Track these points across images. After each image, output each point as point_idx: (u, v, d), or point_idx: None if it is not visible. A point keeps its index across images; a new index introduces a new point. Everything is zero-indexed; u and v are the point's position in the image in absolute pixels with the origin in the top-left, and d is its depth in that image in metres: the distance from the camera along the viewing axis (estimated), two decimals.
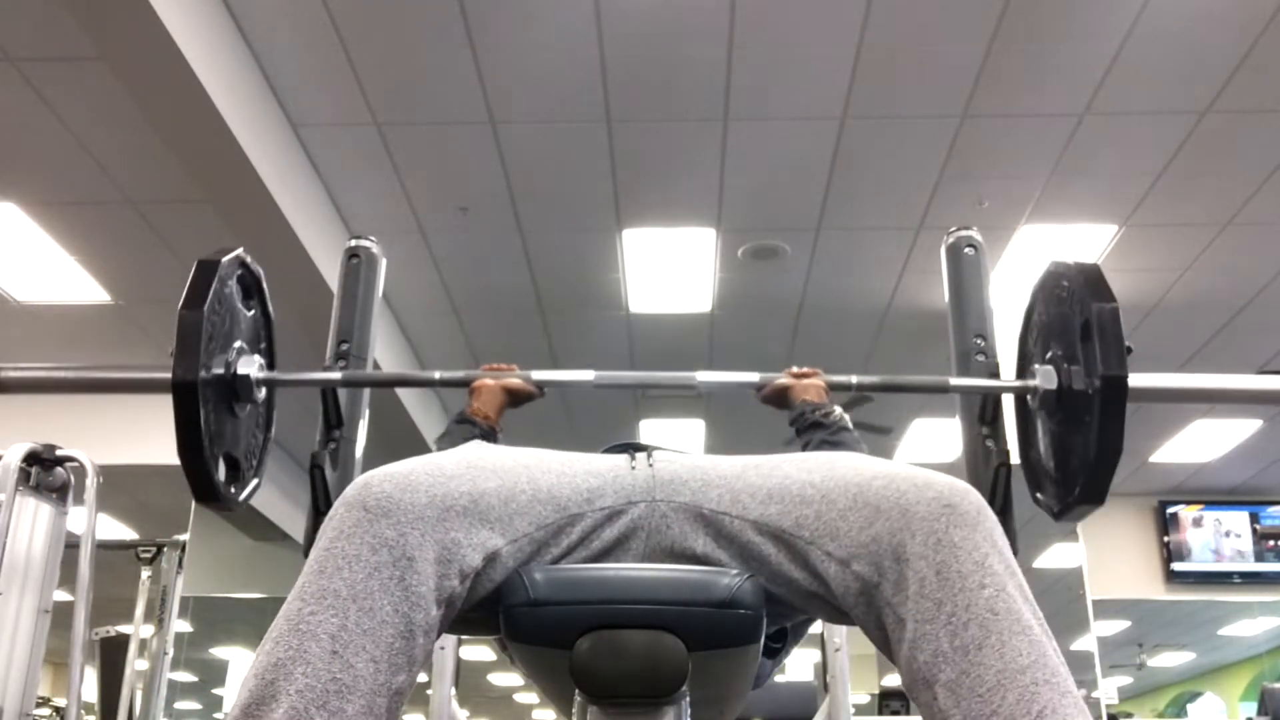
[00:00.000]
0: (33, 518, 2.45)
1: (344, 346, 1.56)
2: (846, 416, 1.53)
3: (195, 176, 3.72)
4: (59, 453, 2.52)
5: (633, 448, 1.20)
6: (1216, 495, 7.70)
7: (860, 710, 7.15)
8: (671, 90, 3.76)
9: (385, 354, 5.20)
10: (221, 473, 1.28)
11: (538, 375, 1.50)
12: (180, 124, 3.42)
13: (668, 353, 5.74)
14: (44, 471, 2.48)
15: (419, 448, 6.33)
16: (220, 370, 1.27)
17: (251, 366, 1.33)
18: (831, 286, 5.04)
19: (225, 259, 1.28)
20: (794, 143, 4.03)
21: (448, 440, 1.48)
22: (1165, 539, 7.66)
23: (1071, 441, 1.26)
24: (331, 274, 3.12)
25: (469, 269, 4.94)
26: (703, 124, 3.93)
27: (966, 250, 1.59)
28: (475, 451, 1.10)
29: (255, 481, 1.40)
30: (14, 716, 2.32)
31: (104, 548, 2.81)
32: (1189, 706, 10.81)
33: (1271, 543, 7.64)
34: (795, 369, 1.59)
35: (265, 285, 1.42)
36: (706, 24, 3.44)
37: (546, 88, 3.74)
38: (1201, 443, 6.79)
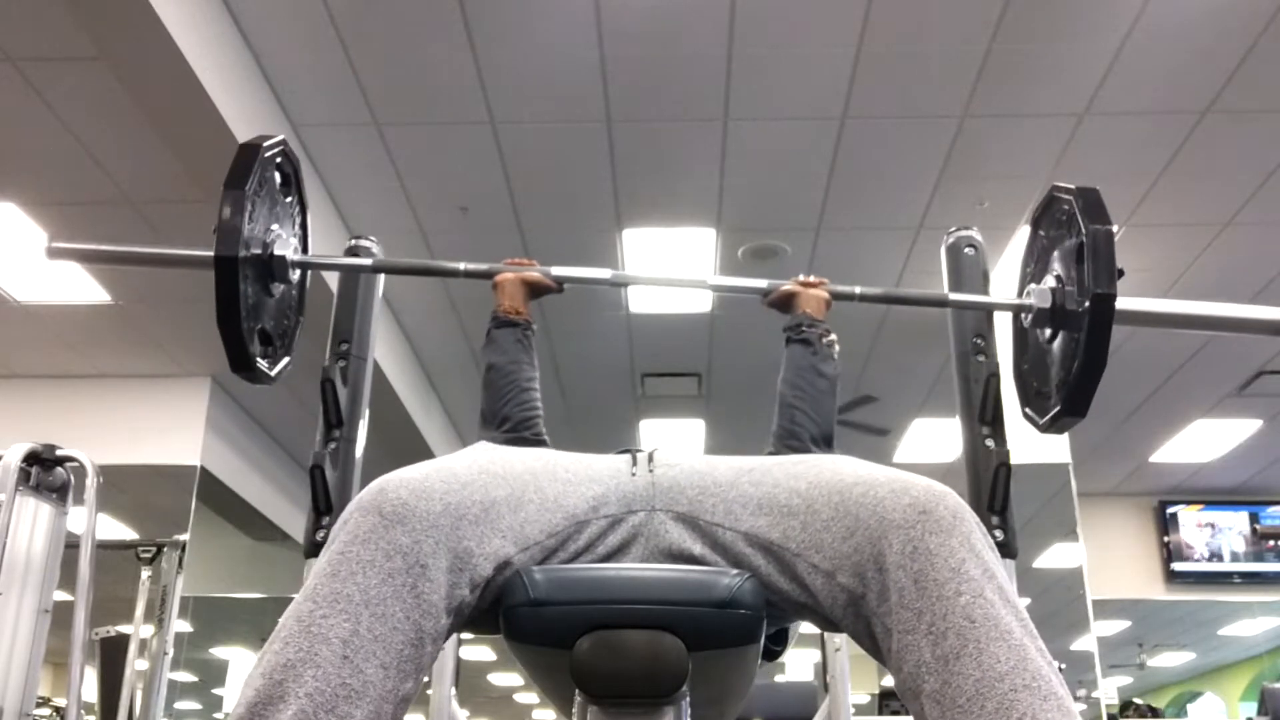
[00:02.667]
0: (33, 518, 2.45)
1: (344, 347, 1.56)
2: (835, 345, 1.54)
3: (195, 176, 3.72)
4: (59, 453, 2.52)
5: (636, 451, 1.20)
6: (1216, 495, 7.70)
7: (860, 710, 7.15)
8: (671, 90, 3.76)
9: (385, 354, 5.20)
10: (256, 346, 1.34)
11: (556, 271, 1.55)
12: (180, 124, 3.42)
13: (668, 353, 5.74)
14: (44, 471, 2.48)
15: (420, 447, 6.33)
16: (258, 250, 1.32)
17: (288, 249, 1.38)
18: None
19: (267, 143, 1.34)
20: (794, 143, 4.03)
21: (493, 347, 1.54)
22: (1165, 539, 7.66)
23: (1061, 358, 1.31)
24: (331, 274, 3.11)
25: None
26: (703, 124, 3.93)
27: (966, 250, 1.59)
28: (485, 455, 1.10)
29: (286, 360, 1.45)
30: (14, 716, 2.32)
31: (104, 548, 2.81)
32: (1189, 706, 10.81)
33: (1271, 543, 7.64)
34: (803, 277, 1.61)
35: (301, 175, 1.48)
36: (706, 24, 3.44)
37: (546, 88, 3.74)
38: (1201, 443, 6.79)
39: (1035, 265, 1.43)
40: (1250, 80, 3.63)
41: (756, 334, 5.53)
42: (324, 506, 1.42)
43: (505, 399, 1.48)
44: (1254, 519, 7.66)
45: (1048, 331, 1.35)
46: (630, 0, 3.35)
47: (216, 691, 7.63)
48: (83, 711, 2.55)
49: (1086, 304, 1.21)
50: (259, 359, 1.34)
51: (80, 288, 4.91)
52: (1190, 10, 3.36)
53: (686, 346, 5.64)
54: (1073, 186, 1.30)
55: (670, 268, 4.95)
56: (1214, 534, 7.71)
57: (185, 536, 4.96)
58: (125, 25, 2.98)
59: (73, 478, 2.56)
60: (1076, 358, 1.24)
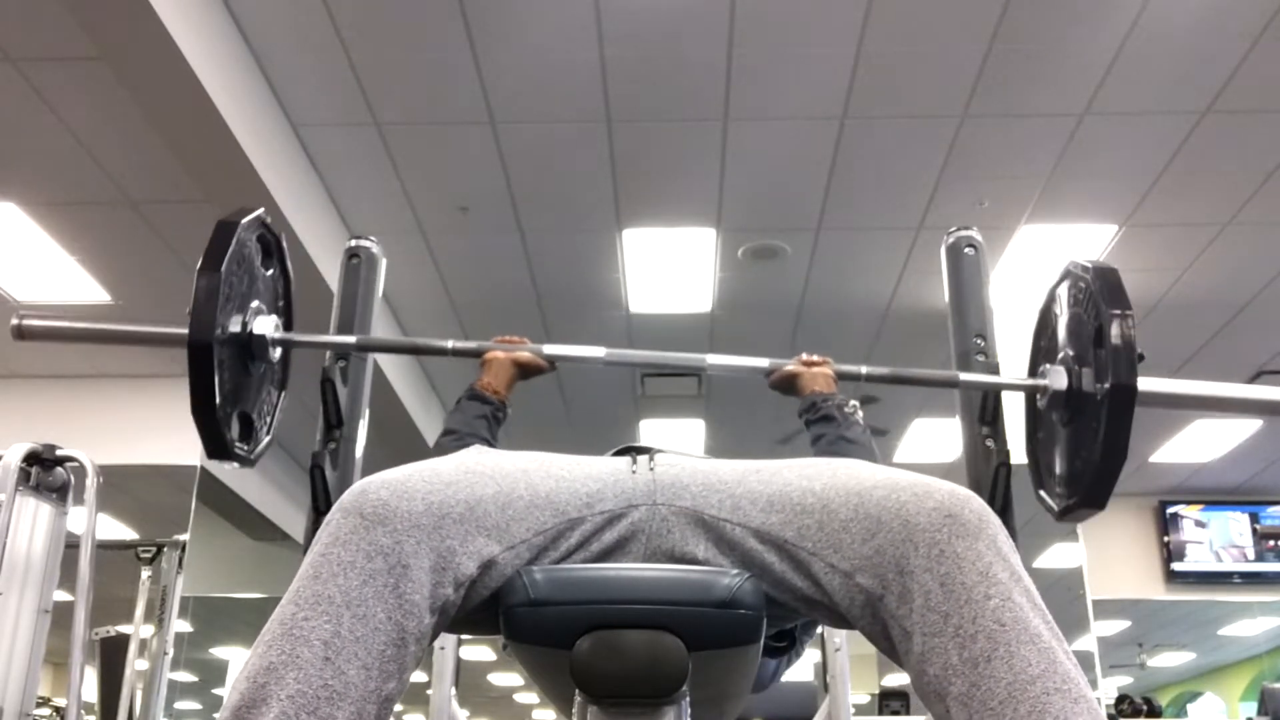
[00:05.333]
0: (33, 518, 2.45)
1: None
2: (859, 410, 1.53)
3: (195, 176, 3.72)
4: (59, 453, 2.52)
5: (636, 451, 1.19)
6: (1216, 495, 7.70)
7: (860, 710, 7.15)
8: (671, 90, 3.76)
9: (385, 354, 5.20)
10: (235, 430, 1.30)
11: (549, 349, 1.52)
12: (180, 124, 3.42)
13: (668, 352, 5.73)
14: (44, 471, 2.48)
15: (419, 447, 6.35)
16: (236, 329, 1.29)
17: (268, 326, 1.35)
18: (831, 286, 5.04)
19: (244, 219, 1.30)
20: (794, 143, 4.03)
21: (458, 414, 1.51)
22: (1165, 539, 7.66)
23: (1077, 443, 1.26)
24: (331, 274, 3.12)
25: (469, 269, 4.94)
26: (703, 124, 3.93)
27: (966, 250, 1.59)
28: (474, 457, 1.09)
29: (268, 439, 1.42)
30: (14, 716, 2.32)
31: (104, 548, 2.81)
32: (1189, 706, 10.81)
33: (1271, 543, 7.64)
34: (805, 356, 1.58)
35: (285, 246, 1.44)
36: (706, 24, 3.44)
37: (546, 88, 3.74)
38: (1201, 443, 6.79)
39: (1049, 341, 1.38)
40: (1250, 80, 3.63)
41: (756, 334, 5.53)
42: (324, 506, 1.42)
43: None
44: (1254, 519, 7.65)
45: (1064, 413, 1.30)
46: (630, 1, 3.35)
47: (216, 691, 7.62)
48: (83, 711, 2.55)
49: (1105, 389, 1.17)
50: (237, 444, 1.30)
51: (80, 288, 4.91)
52: (1190, 10, 3.36)
53: (686, 346, 5.61)
54: (1090, 265, 1.27)
55: (670, 267, 4.94)
56: (1214, 534, 7.70)
57: (185, 536, 4.96)
58: (125, 25, 2.98)
59: (73, 478, 2.56)
60: (1095, 447, 1.18)
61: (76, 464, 2.56)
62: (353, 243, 1.65)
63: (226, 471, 5.82)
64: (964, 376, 1.45)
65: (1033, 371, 1.42)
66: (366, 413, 1.57)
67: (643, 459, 1.15)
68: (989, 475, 1.41)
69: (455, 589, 0.96)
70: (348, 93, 3.74)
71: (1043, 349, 1.41)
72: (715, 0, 3.35)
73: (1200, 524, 7.71)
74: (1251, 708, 6.58)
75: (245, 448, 1.34)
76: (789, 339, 5.52)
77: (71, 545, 2.55)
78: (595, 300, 5.18)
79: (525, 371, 1.56)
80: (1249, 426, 6.56)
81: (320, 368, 1.53)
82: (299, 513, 5.99)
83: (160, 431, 5.55)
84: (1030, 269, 4.67)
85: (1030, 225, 4.50)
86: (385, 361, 5.17)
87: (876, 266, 4.90)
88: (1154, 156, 4.08)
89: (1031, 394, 1.40)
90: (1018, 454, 1.42)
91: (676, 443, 6.37)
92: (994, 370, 1.48)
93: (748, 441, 6.67)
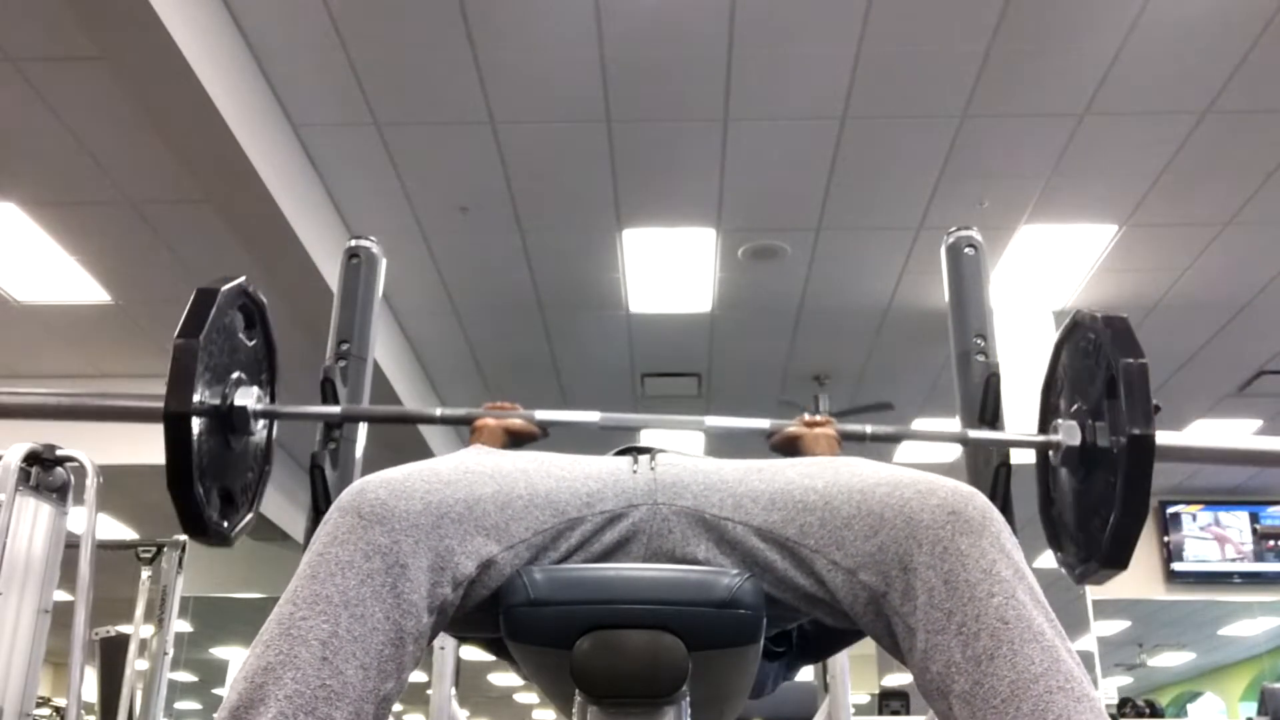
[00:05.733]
0: (33, 518, 2.45)
1: (344, 346, 1.56)
2: None
3: (195, 176, 3.72)
4: (59, 453, 2.52)
5: (637, 450, 1.19)
6: (1216, 495, 7.70)
7: (860, 710, 7.15)
8: (671, 90, 3.76)
9: (385, 354, 5.20)
10: (215, 506, 1.24)
11: (541, 415, 1.45)
12: (180, 124, 3.42)
13: (668, 353, 5.74)
14: (44, 471, 2.48)
15: (419, 447, 6.34)
16: (216, 401, 1.24)
17: (249, 398, 1.28)
18: (831, 286, 5.04)
19: (225, 288, 1.24)
20: (794, 143, 4.03)
21: None
22: (1165, 539, 7.66)
23: (1094, 500, 1.21)
24: (331, 274, 3.12)
25: (469, 269, 4.94)
26: (703, 124, 3.93)
27: (966, 250, 1.59)
28: (474, 457, 1.09)
29: (250, 516, 1.36)
30: (14, 716, 2.32)
31: (104, 548, 2.81)
32: (1189, 706, 10.81)
33: (1271, 543, 7.64)
34: (807, 417, 1.52)
35: (269, 315, 1.37)
36: (706, 24, 3.44)
37: (546, 88, 3.74)
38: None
39: (1059, 396, 1.34)
40: (1250, 80, 3.63)
41: (757, 334, 5.53)
42: (324, 506, 1.41)
43: None
44: (1254, 519, 7.66)
45: (1078, 469, 1.24)
46: (630, 1, 3.36)
47: (216, 691, 7.63)
48: (83, 711, 2.55)
49: (1122, 443, 1.11)
50: (216, 520, 1.25)
51: (80, 288, 4.91)
52: (1190, 10, 3.36)
53: (686, 346, 5.64)
54: (1099, 315, 1.21)
55: (670, 267, 4.94)
56: (1214, 534, 7.70)
57: (185, 536, 4.95)
58: (125, 25, 2.98)
59: (73, 478, 2.56)
60: (1114, 505, 1.13)
61: (76, 464, 2.56)
62: (353, 243, 1.65)
63: None
64: (973, 434, 1.41)
65: (1044, 427, 1.37)
66: None
67: (644, 459, 1.14)
68: (989, 475, 1.41)
69: (454, 589, 0.96)
70: (348, 93, 3.74)
71: (1052, 405, 1.36)
72: (715, 0, 3.35)
73: (1200, 524, 7.71)
74: (1251, 708, 6.58)
75: (224, 525, 1.27)
76: (789, 339, 5.53)
77: (71, 545, 2.54)
78: (595, 300, 5.18)
79: (517, 440, 1.48)
80: (1249, 427, 6.55)
81: (321, 367, 1.53)
82: (299, 513, 5.99)
83: (160, 431, 5.55)
84: (1030, 269, 4.67)
85: (1030, 225, 4.50)
86: (385, 361, 5.17)
87: (876, 266, 4.90)
88: (1154, 156, 4.08)
89: (1043, 451, 1.34)
90: (1018, 453, 1.42)
91: (677, 443, 6.36)
92: (994, 372, 1.48)
93: (748, 442, 6.66)
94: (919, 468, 1.05)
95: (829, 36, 3.50)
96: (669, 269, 4.95)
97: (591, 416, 1.44)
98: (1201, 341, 5.44)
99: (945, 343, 1.56)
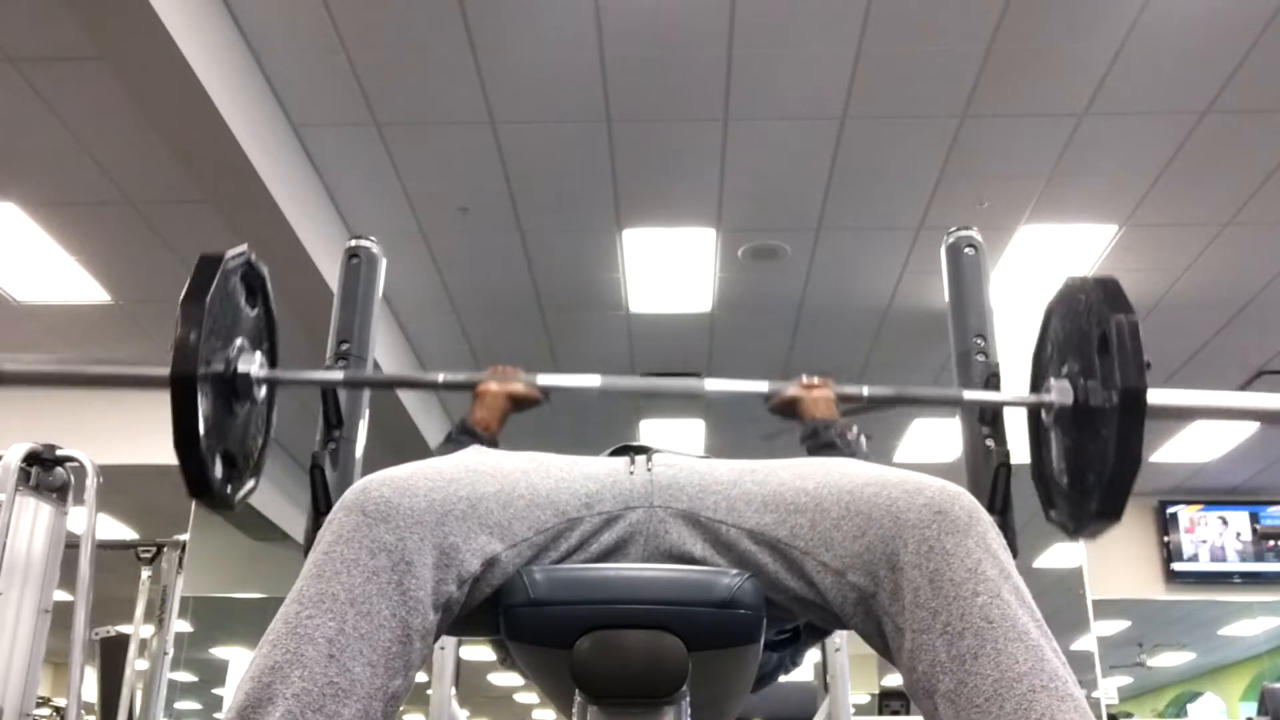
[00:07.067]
0: (33, 518, 2.45)
1: (344, 346, 1.56)
2: (864, 438, 1.50)
3: (195, 176, 3.72)
4: (59, 453, 2.52)
5: (634, 450, 1.19)
6: (1216, 495, 7.70)
7: (860, 710, 7.15)
8: (671, 90, 3.76)
9: (385, 354, 5.20)
10: (218, 470, 1.26)
11: (543, 380, 1.47)
12: (180, 124, 3.42)
13: (668, 353, 5.74)
14: (44, 471, 2.49)
15: (419, 447, 6.34)
16: (220, 367, 1.25)
17: (252, 364, 1.30)
18: (831, 286, 5.04)
19: (229, 255, 1.27)
20: (794, 143, 4.03)
21: (450, 448, 1.47)
22: (1165, 539, 7.66)
23: (1087, 457, 1.22)
24: (331, 274, 3.12)
25: (469, 269, 4.94)
26: (703, 124, 3.93)
27: (966, 250, 1.59)
28: (474, 456, 1.09)
29: (252, 482, 1.38)
30: (14, 716, 2.32)
31: (104, 548, 2.82)
32: (1189, 706, 10.81)
33: (1271, 543, 7.64)
34: (805, 379, 1.54)
35: (270, 285, 1.40)
36: (706, 24, 3.44)
37: (546, 88, 3.74)
38: (1201, 443, 6.79)
39: (1051, 358, 1.35)
40: (1250, 80, 3.63)
41: (756, 334, 5.53)
42: (324, 506, 1.41)
43: None
44: (1254, 519, 7.66)
45: (1071, 429, 1.26)
46: (630, 1, 3.35)
47: (216, 691, 7.63)
48: (83, 711, 2.55)
49: (1114, 399, 1.13)
50: (221, 483, 1.26)
51: (80, 288, 4.91)
52: (1190, 10, 3.36)
53: (686, 346, 5.64)
54: (1090, 277, 1.23)
55: (670, 267, 4.94)
56: (1214, 534, 7.71)
57: (185, 536, 4.95)
58: (125, 25, 2.98)
59: (73, 478, 2.56)
60: (1107, 457, 1.15)
61: (76, 464, 2.56)
62: (353, 243, 1.65)
63: None
64: (967, 395, 1.42)
65: (1035, 389, 1.38)
66: (366, 413, 1.56)
67: (640, 459, 1.14)
68: (989, 475, 1.41)
69: (458, 586, 0.96)
70: (348, 93, 3.74)
71: (1045, 365, 1.37)
72: (715, 0, 3.35)
73: (1200, 524, 7.71)
74: (1251, 708, 6.58)
75: (228, 489, 1.29)
76: (789, 340, 5.52)
77: (71, 545, 2.55)
78: (595, 300, 5.18)
79: (519, 404, 1.51)
80: (1249, 427, 6.56)
81: (321, 366, 1.52)
82: (299, 513, 5.99)
83: (160, 431, 5.49)
84: (1030, 269, 4.67)
85: (1030, 225, 4.50)
86: (385, 361, 5.17)
87: (876, 266, 4.90)
88: (1154, 156, 4.08)
89: (1035, 410, 1.35)
90: (1018, 454, 1.41)
91: (675, 442, 6.37)
92: (994, 371, 1.48)
93: (748, 442, 6.67)
94: (919, 467, 1.05)
95: (829, 37, 3.50)
96: (669, 269, 4.95)
97: (592, 380, 1.44)
98: (1201, 341, 5.44)
99: (945, 343, 1.56)
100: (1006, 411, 1.47)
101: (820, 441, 1.50)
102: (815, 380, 1.52)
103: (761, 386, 1.48)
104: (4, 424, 5.48)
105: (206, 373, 1.20)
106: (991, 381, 1.47)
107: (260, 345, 1.37)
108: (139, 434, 5.53)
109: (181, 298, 1.19)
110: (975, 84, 3.69)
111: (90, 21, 3.02)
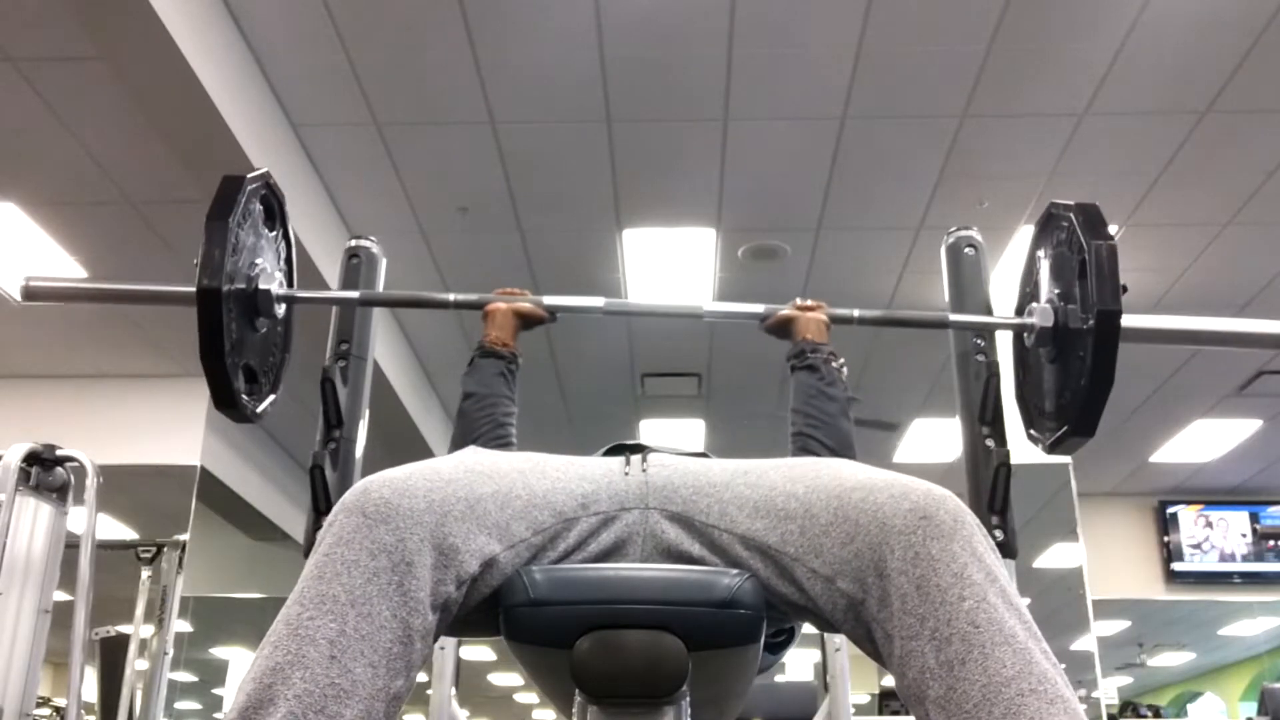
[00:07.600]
0: (33, 518, 2.45)
1: (344, 346, 1.56)
2: (844, 367, 1.54)
3: (195, 176, 3.72)
4: (59, 453, 2.52)
5: (629, 449, 1.19)
6: (1216, 495, 7.70)
7: (860, 710, 7.15)
8: (671, 90, 3.76)
9: (385, 354, 5.20)
10: (241, 383, 1.31)
11: (549, 300, 1.54)
12: (180, 124, 3.42)
13: (668, 353, 5.74)
14: (44, 471, 2.49)
15: (419, 447, 6.33)
16: (243, 284, 1.30)
17: (272, 283, 1.36)
18: (831, 286, 5.04)
19: (250, 175, 1.31)
20: (794, 143, 4.03)
21: (474, 375, 1.53)
22: (1165, 539, 7.66)
23: (1065, 377, 1.29)
24: (331, 274, 3.12)
25: (469, 269, 4.94)
26: (703, 124, 3.93)
27: (966, 250, 1.59)
28: (472, 456, 1.09)
29: (272, 396, 1.43)
30: (14, 716, 2.33)
31: (104, 548, 2.82)
32: (1189, 706, 10.81)
33: (1271, 543, 7.64)
34: (800, 301, 1.59)
35: (287, 210, 1.45)
36: (706, 24, 3.44)
37: (546, 87, 3.74)
38: (1201, 443, 6.79)
39: (1034, 283, 1.41)
40: (1250, 80, 3.63)
41: (756, 334, 5.52)
42: (324, 506, 1.42)
43: (478, 431, 1.49)
44: (1254, 519, 7.66)
45: (1051, 351, 1.33)
46: (630, 1, 3.36)
47: (216, 691, 7.63)
48: (83, 711, 2.55)
49: (1090, 321, 1.19)
50: (244, 395, 1.32)
51: None
52: (1190, 10, 3.36)
53: (686, 346, 5.64)
54: (1071, 203, 1.28)
55: (670, 267, 4.94)
56: (1214, 534, 7.71)
57: (185, 536, 4.96)
58: (125, 25, 2.98)
59: (73, 478, 2.56)
60: (1083, 376, 1.21)
61: (76, 464, 2.56)
62: (353, 243, 1.65)
63: (226, 471, 5.82)
64: (953, 316, 1.49)
65: (1019, 312, 1.45)
66: (366, 413, 1.57)
67: (635, 460, 1.15)
68: (989, 475, 1.41)
69: (458, 586, 0.96)
70: (348, 93, 3.74)
71: (1028, 292, 1.43)
72: (715, 0, 3.35)
73: (1200, 524, 7.71)
74: (1251, 708, 6.59)
75: (251, 402, 1.35)
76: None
77: (71, 545, 2.55)
78: None
79: (527, 322, 1.59)
80: (1249, 427, 6.56)
81: (321, 367, 1.53)
82: (299, 513, 6.01)
83: (160, 431, 5.55)
84: None
85: (1030, 225, 4.49)
86: (385, 361, 5.17)
87: (876, 266, 4.90)
88: (1154, 156, 4.08)
89: (1019, 333, 1.43)
90: (1018, 453, 1.42)
91: (670, 440, 6.39)
92: (995, 372, 1.48)
93: (748, 441, 6.67)
94: (919, 467, 1.05)
95: (829, 36, 3.50)
96: (669, 269, 4.95)
97: (596, 302, 1.53)
98: None
99: (945, 343, 1.56)
100: (1005, 410, 1.47)
101: (805, 362, 1.54)
102: (809, 302, 1.59)
103: (757, 308, 1.57)
104: (4, 424, 5.48)
105: (230, 289, 1.25)
106: (991, 382, 1.47)
107: (278, 265, 1.42)
108: (139, 434, 5.54)
109: (206, 216, 1.24)
110: (975, 84, 3.70)
111: (90, 21, 3.02)
